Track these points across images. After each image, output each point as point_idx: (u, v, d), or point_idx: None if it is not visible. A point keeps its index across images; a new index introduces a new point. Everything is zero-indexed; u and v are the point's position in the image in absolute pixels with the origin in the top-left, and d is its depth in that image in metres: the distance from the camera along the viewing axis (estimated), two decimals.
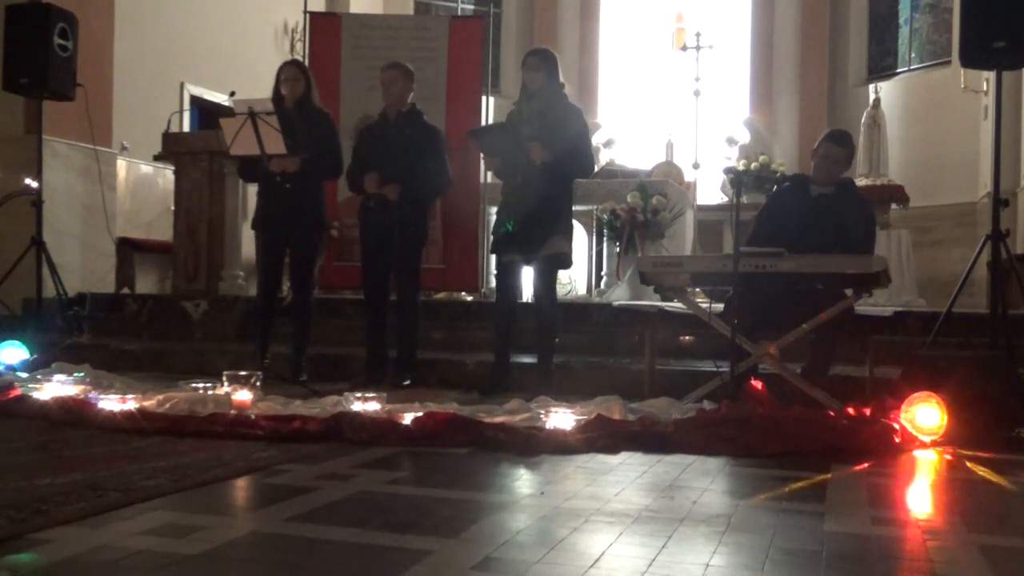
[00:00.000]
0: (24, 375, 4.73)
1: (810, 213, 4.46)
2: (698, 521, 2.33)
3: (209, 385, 4.11)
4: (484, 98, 7.78)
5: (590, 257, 8.06)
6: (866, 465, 3.15)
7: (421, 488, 2.72)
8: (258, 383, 4.00)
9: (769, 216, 4.63)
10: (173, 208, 7.15)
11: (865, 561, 2.03)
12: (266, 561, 1.98)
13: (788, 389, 4.16)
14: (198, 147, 6.91)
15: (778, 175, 10.18)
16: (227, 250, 6.92)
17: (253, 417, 3.64)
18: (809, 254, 4.11)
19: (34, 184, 6.22)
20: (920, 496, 2.82)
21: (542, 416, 3.66)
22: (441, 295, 7.54)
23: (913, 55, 11.62)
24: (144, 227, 8.58)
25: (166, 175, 8.31)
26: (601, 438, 3.38)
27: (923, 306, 7.16)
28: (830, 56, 12.24)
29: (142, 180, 8.81)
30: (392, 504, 2.48)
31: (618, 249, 7.47)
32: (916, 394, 3.53)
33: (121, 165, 8.27)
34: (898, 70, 11.77)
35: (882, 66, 12.00)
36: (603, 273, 7.89)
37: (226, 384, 3.98)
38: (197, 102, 9.50)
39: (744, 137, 12.13)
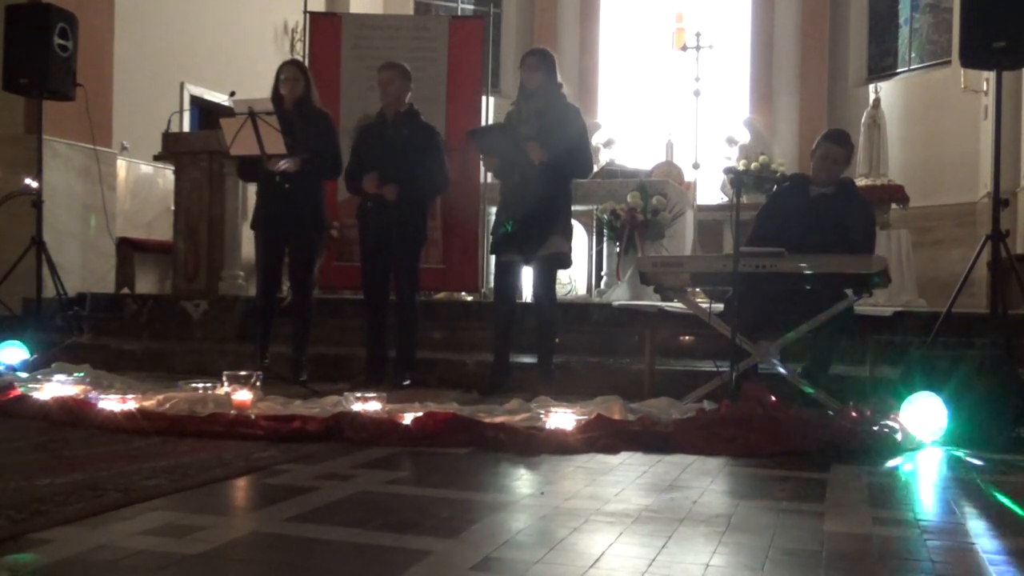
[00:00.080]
0: (24, 375, 4.73)
1: (810, 213, 4.46)
2: (698, 521, 2.33)
3: (209, 385, 4.11)
4: (484, 98, 7.78)
5: (590, 257, 8.06)
6: (866, 465, 3.15)
7: (421, 488, 2.72)
8: (258, 383, 4.00)
9: (769, 216, 4.64)
10: (173, 208, 7.16)
11: (865, 561, 2.03)
12: (266, 561, 1.98)
13: (788, 389, 4.16)
14: (198, 147, 6.91)
15: (778, 175, 10.17)
16: (227, 250, 6.92)
17: (253, 417, 3.64)
18: (809, 254, 4.11)
19: (34, 184, 6.22)
20: (920, 496, 2.82)
21: (542, 416, 3.66)
22: (441, 295, 7.54)
23: (913, 55, 11.62)
24: (144, 227, 8.58)
25: (166, 175, 8.32)
26: (601, 438, 3.38)
27: (923, 306, 7.16)
28: (830, 56, 12.24)
29: (142, 180, 8.81)
30: (392, 504, 2.48)
31: (618, 249, 7.47)
32: (916, 394, 3.53)
33: (121, 165, 8.27)
34: (898, 70, 11.77)
35: (882, 66, 12.00)
36: (603, 273, 7.89)
37: (226, 384, 3.98)
38: (197, 102, 9.50)
39: (744, 137, 12.13)
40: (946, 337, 4.50)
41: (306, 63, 6.79)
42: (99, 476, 2.66)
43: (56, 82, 6.11)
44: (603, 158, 11.53)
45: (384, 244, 4.99)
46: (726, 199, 10.78)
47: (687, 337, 5.35)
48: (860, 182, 9.02)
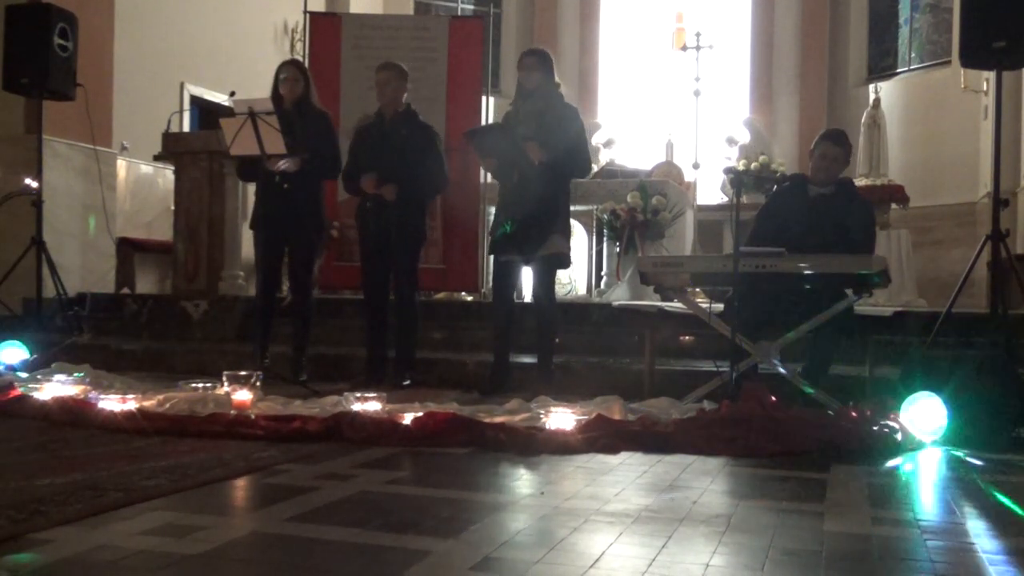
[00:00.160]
0: (24, 375, 4.73)
1: (810, 213, 4.46)
2: (698, 521, 2.33)
3: (209, 385, 4.11)
4: (484, 98, 7.78)
5: (590, 257, 8.06)
6: (866, 465, 3.15)
7: (421, 488, 2.72)
8: (258, 383, 4.00)
9: (769, 216, 4.64)
10: (173, 208, 7.16)
11: (865, 561, 2.03)
12: (266, 561, 1.98)
13: (788, 389, 4.16)
14: (198, 147, 6.91)
15: (778, 175, 10.18)
16: (227, 250, 6.92)
17: (253, 417, 3.64)
18: (809, 254, 4.11)
19: (34, 184, 6.22)
20: (920, 496, 2.82)
21: (542, 416, 3.66)
22: (441, 295, 7.54)
23: (913, 55, 11.62)
24: (144, 227, 8.58)
25: (166, 175, 8.32)
26: (601, 438, 3.38)
27: (923, 306, 7.15)
28: (830, 56, 12.24)
29: (142, 180, 8.81)
30: (392, 504, 2.48)
31: (618, 249, 7.47)
32: (916, 394, 3.53)
33: (121, 165, 8.27)
34: (898, 70, 11.77)
35: (882, 66, 12.00)
36: (603, 273, 7.89)
37: (226, 384, 3.98)
38: (197, 102, 9.50)
39: (744, 137, 12.13)
40: (946, 337, 4.50)
41: (306, 63, 6.80)
42: (99, 476, 2.66)
43: (56, 82, 6.11)
44: (603, 158, 11.53)
45: (384, 244, 4.99)
46: (726, 199, 10.78)
47: (687, 337, 5.35)
48: (860, 182, 9.02)
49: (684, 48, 10.63)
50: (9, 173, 6.85)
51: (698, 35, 10.39)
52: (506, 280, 4.89)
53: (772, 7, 12.46)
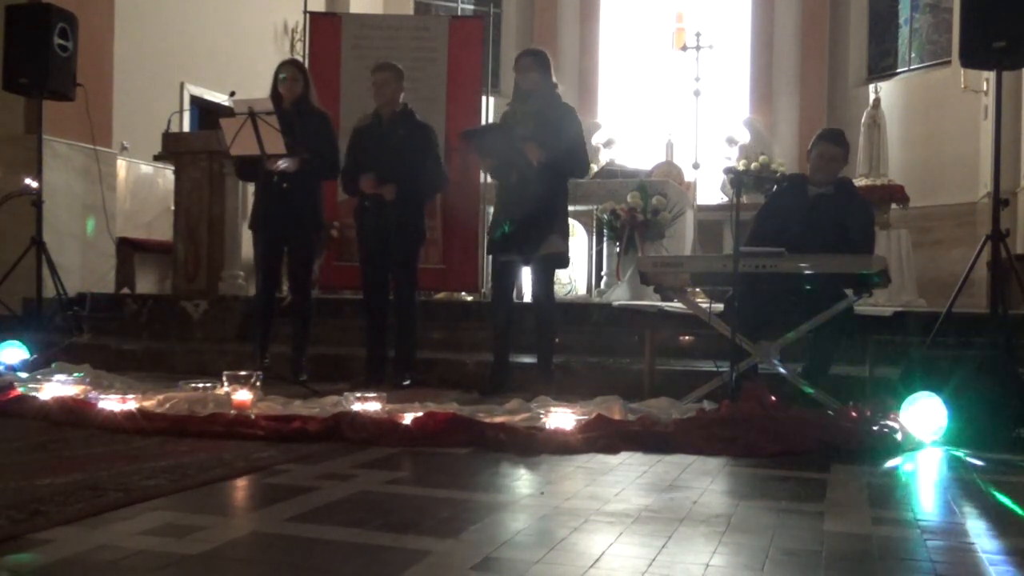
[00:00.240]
0: (24, 375, 4.73)
1: (809, 213, 4.46)
2: (698, 521, 2.33)
3: (209, 385, 4.11)
4: (484, 98, 7.78)
5: (590, 257, 8.06)
6: (866, 465, 3.15)
7: (421, 488, 2.72)
8: (258, 383, 4.00)
9: (768, 216, 4.64)
10: (173, 208, 7.16)
11: (865, 561, 2.03)
12: (266, 561, 1.98)
13: (788, 389, 4.16)
14: (198, 147, 6.91)
15: (778, 175, 10.18)
16: (227, 250, 6.92)
17: (253, 417, 3.64)
18: (809, 254, 4.11)
19: (34, 184, 6.22)
20: (920, 496, 2.82)
21: (542, 416, 3.66)
22: (441, 295, 7.54)
23: (913, 55, 11.62)
24: (144, 227, 8.58)
25: (166, 175, 8.32)
26: (601, 438, 3.38)
27: (923, 306, 7.16)
28: (830, 56, 12.24)
29: (142, 180, 8.81)
30: (392, 504, 2.48)
31: (618, 249, 7.47)
32: (916, 394, 3.53)
33: (121, 165, 8.27)
34: (898, 70, 11.77)
35: (882, 66, 12.00)
36: (603, 273, 7.89)
37: (226, 384, 3.98)
38: (197, 102, 9.50)
39: (744, 137, 12.13)
40: (946, 337, 4.50)
41: (306, 63, 6.79)
42: (99, 476, 2.66)
43: (56, 82, 6.11)
44: (603, 158, 11.53)
45: (383, 244, 4.99)
46: (726, 199, 10.79)
47: (687, 337, 5.35)
48: (860, 182, 9.02)
49: (684, 48, 10.63)
50: (9, 173, 6.86)
51: (698, 35, 10.39)
52: (505, 280, 4.89)
53: (772, 7, 12.46)
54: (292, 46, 10.46)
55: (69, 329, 6.35)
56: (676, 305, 4.61)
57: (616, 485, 2.75)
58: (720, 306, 4.35)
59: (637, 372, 4.85)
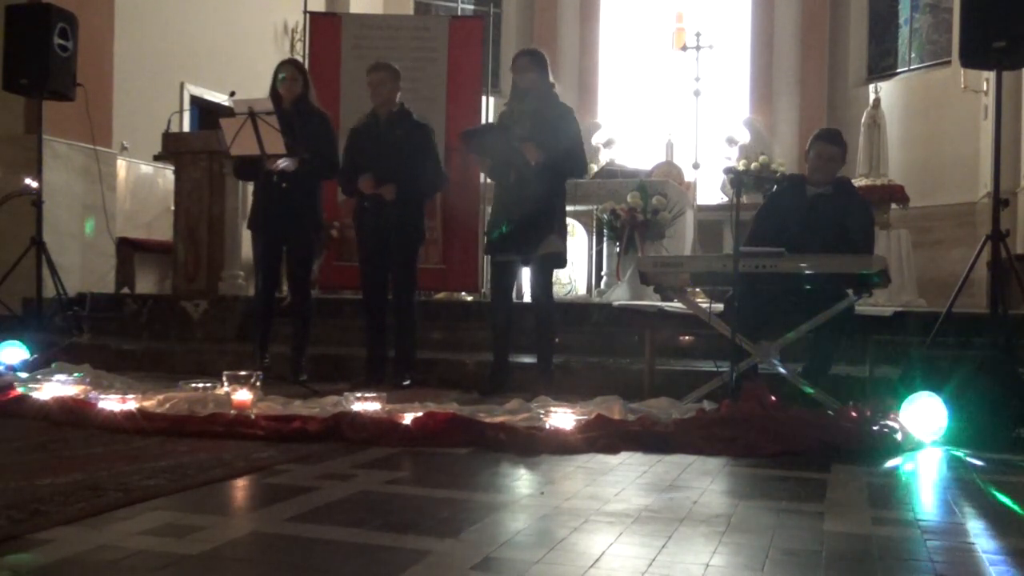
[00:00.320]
0: (24, 375, 4.73)
1: (809, 214, 4.47)
2: (698, 521, 2.33)
3: (209, 385, 4.11)
4: (484, 98, 7.79)
5: (590, 257, 8.06)
6: (866, 465, 3.15)
7: (421, 488, 2.72)
8: (258, 383, 4.00)
9: (767, 217, 4.64)
10: (173, 208, 7.16)
11: (865, 561, 2.03)
12: (266, 561, 1.98)
13: (788, 389, 4.16)
14: (198, 147, 6.92)
15: (778, 175, 10.19)
16: (227, 250, 6.93)
17: (253, 417, 3.64)
18: (809, 254, 4.11)
19: (34, 184, 6.22)
20: (920, 496, 2.82)
21: (542, 416, 3.66)
22: (441, 295, 7.54)
23: (913, 55, 11.62)
24: (144, 227, 8.58)
25: (166, 175, 8.32)
26: (601, 438, 3.38)
27: (923, 306, 7.16)
28: (830, 56, 12.24)
29: (142, 180, 8.81)
30: (392, 504, 2.48)
31: (618, 249, 7.47)
32: (916, 394, 3.53)
33: (121, 165, 8.28)
34: (898, 70, 11.77)
35: (882, 66, 12.00)
36: (603, 273, 7.89)
37: (226, 384, 3.98)
38: (197, 102, 9.51)
39: (744, 137, 12.13)
40: (946, 337, 4.50)
41: (306, 63, 6.80)
42: (99, 476, 2.66)
43: (56, 82, 6.11)
44: (603, 158, 11.53)
45: (382, 244, 4.99)
46: (726, 199, 10.79)
47: (687, 337, 5.35)
48: (860, 182, 9.01)
49: (684, 48, 10.63)
50: (9, 173, 6.86)
51: (698, 35, 10.39)
52: (505, 280, 4.89)
53: (772, 7, 12.46)
54: (292, 46, 10.47)
55: (69, 329, 6.35)
56: (676, 305, 4.61)
57: (616, 485, 2.76)
58: (720, 306, 4.35)
59: (637, 372, 4.85)
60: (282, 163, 4.90)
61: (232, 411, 3.76)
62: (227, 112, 4.96)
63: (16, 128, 7.11)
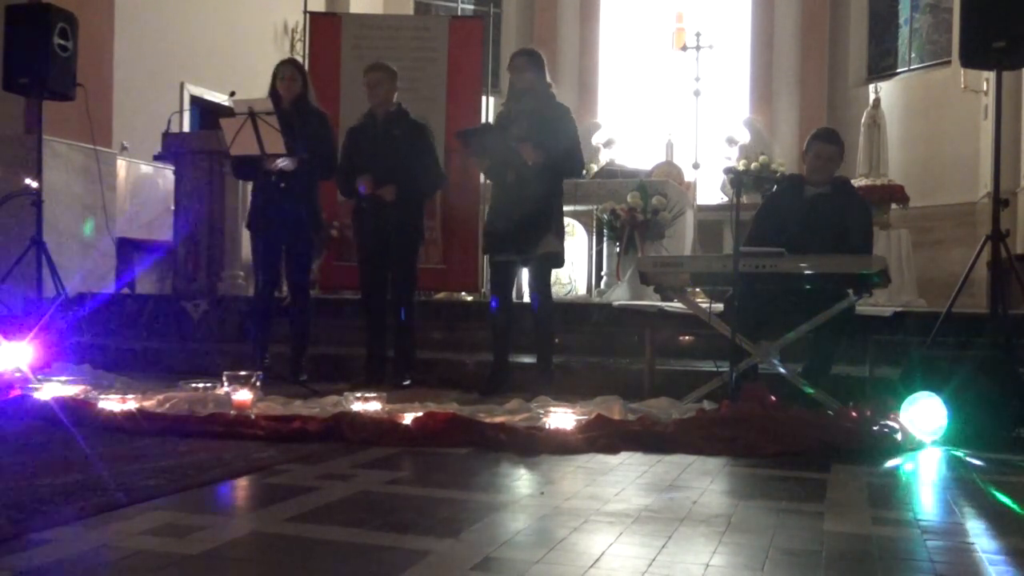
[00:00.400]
0: (24, 375, 4.73)
1: (808, 214, 4.47)
2: (698, 521, 2.33)
3: (209, 385, 4.11)
4: (484, 98, 7.79)
5: (590, 257, 8.05)
6: (866, 465, 3.15)
7: (421, 488, 2.72)
8: (258, 383, 4.00)
9: (766, 217, 4.64)
10: (173, 208, 7.16)
11: (865, 561, 2.03)
12: (266, 561, 1.98)
13: (788, 389, 4.16)
14: (198, 147, 6.92)
15: (778, 175, 10.19)
16: (227, 250, 6.93)
17: (253, 417, 3.64)
18: (809, 254, 4.11)
19: (34, 184, 6.22)
20: (920, 496, 2.82)
21: (542, 416, 3.66)
22: (441, 295, 7.54)
23: (913, 55, 11.62)
24: (144, 227, 8.58)
25: (166, 175, 8.31)
26: (601, 438, 3.38)
27: (923, 306, 7.15)
28: (830, 56, 12.24)
29: (142, 180, 8.81)
30: (392, 504, 2.48)
31: (618, 249, 7.47)
32: (916, 394, 3.53)
33: (121, 165, 8.27)
34: (898, 70, 11.76)
35: (882, 66, 12.00)
36: (603, 273, 7.89)
37: (226, 384, 3.98)
38: (197, 102, 9.50)
39: (744, 137, 12.13)
40: (946, 337, 4.50)
41: (306, 63, 6.79)
42: (99, 476, 2.66)
43: (56, 82, 6.10)
44: (603, 158, 11.53)
45: (382, 244, 4.99)
46: (726, 199, 10.79)
47: (687, 337, 5.35)
48: (860, 182, 9.02)
49: (684, 48, 10.63)
50: (9, 173, 6.85)
51: (698, 35, 10.39)
52: (504, 280, 4.90)
53: (772, 7, 12.46)
54: (292, 46, 10.46)
55: (69, 329, 6.34)
56: (676, 305, 4.61)
57: (616, 485, 2.75)
58: (720, 306, 4.36)
59: (637, 372, 4.85)
60: (281, 163, 4.90)
61: (232, 411, 3.76)
62: (227, 112, 4.96)
63: (16, 128, 7.10)
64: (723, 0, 12.74)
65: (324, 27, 7.50)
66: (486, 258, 5.91)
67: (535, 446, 3.31)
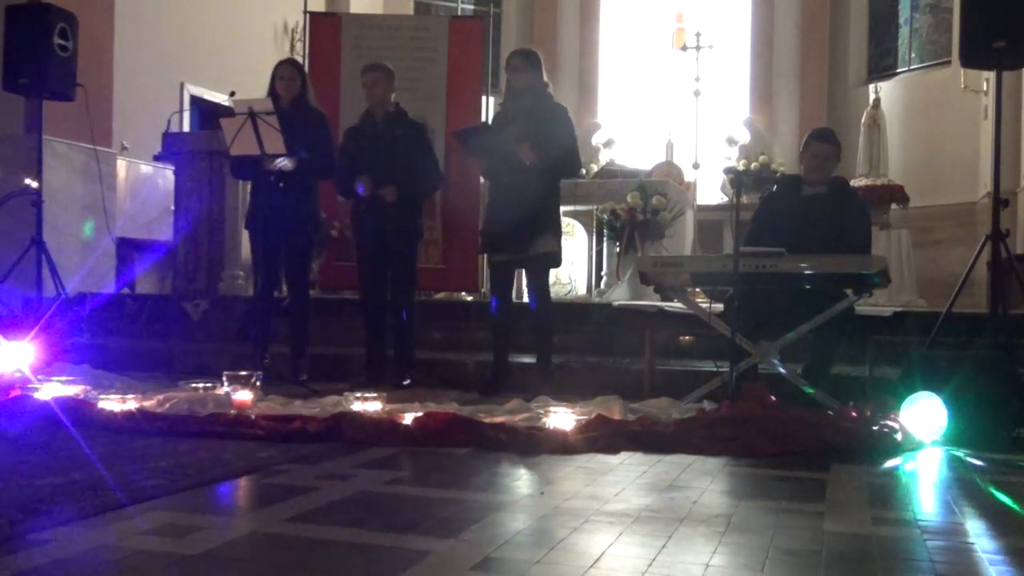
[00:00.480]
0: (24, 375, 4.73)
1: (806, 214, 4.47)
2: (698, 521, 2.33)
3: (209, 385, 4.11)
4: (484, 98, 7.78)
5: (590, 257, 8.06)
6: (866, 465, 3.15)
7: (421, 488, 2.72)
8: (258, 383, 4.00)
9: (765, 218, 4.64)
10: (173, 208, 7.16)
11: (865, 561, 2.03)
12: (266, 561, 1.98)
13: (788, 389, 4.16)
14: (198, 147, 6.92)
15: (778, 175, 10.18)
16: (227, 250, 6.93)
17: (253, 417, 3.64)
18: (808, 254, 4.11)
19: (34, 184, 6.22)
20: (920, 496, 2.82)
21: (542, 416, 3.66)
22: (441, 295, 7.54)
23: (913, 55, 11.61)
24: (144, 227, 8.58)
25: (166, 175, 8.31)
26: (601, 438, 3.38)
27: (923, 306, 7.15)
28: (830, 56, 12.23)
29: (142, 180, 8.81)
30: (392, 504, 2.48)
31: (618, 249, 7.47)
32: (916, 394, 3.53)
33: (121, 165, 8.27)
34: (898, 70, 11.76)
35: (882, 66, 11.99)
36: (603, 273, 7.89)
37: (226, 384, 3.98)
38: (197, 102, 9.50)
39: (744, 137, 12.13)
40: (946, 337, 4.50)
41: (306, 63, 6.79)
42: (99, 476, 2.66)
43: (56, 82, 6.10)
44: (603, 158, 11.52)
45: (381, 244, 4.99)
46: (726, 199, 10.78)
47: (687, 337, 5.35)
48: (860, 182, 9.02)
49: (684, 48, 10.63)
50: (9, 173, 6.85)
51: (698, 35, 10.38)
52: (503, 281, 4.90)
53: (772, 7, 12.45)
54: (292, 46, 10.46)
55: (69, 329, 6.34)
56: (676, 305, 4.61)
57: (616, 485, 2.76)
58: (720, 306, 4.36)
59: (637, 372, 4.85)
60: (280, 163, 4.90)
61: (232, 411, 3.76)
62: (227, 112, 4.96)
63: (16, 128, 7.10)
64: (723, 0, 12.73)
65: (324, 27, 7.51)
66: (485, 258, 5.92)
67: (535, 446, 3.31)
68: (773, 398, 3.78)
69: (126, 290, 7.60)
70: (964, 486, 2.89)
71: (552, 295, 5.11)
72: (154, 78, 8.70)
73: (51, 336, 5.98)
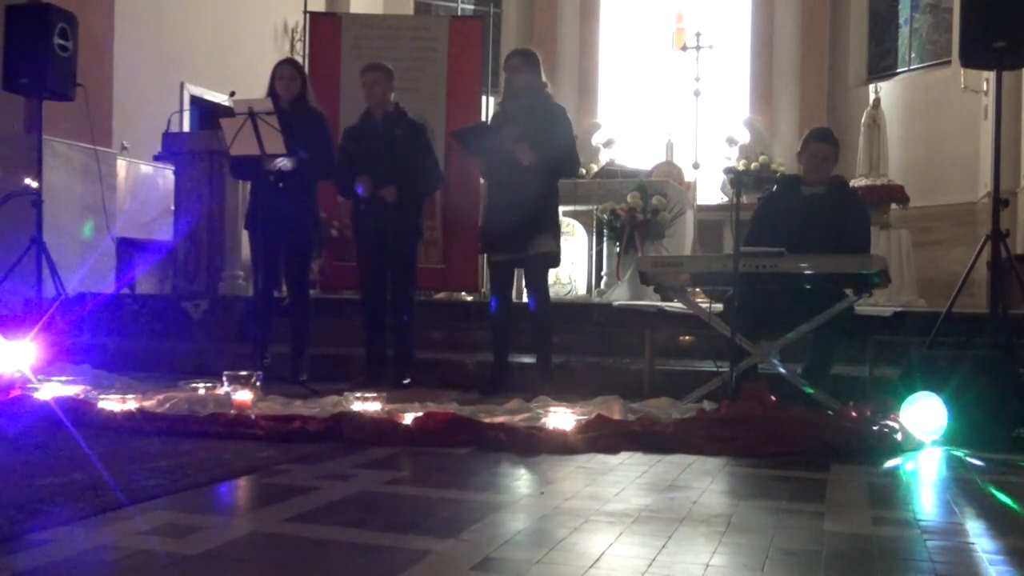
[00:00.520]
0: (24, 375, 4.73)
1: (806, 214, 4.47)
2: (698, 521, 2.33)
3: (209, 385, 4.11)
4: (484, 98, 7.79)
5: (590, 257, 8.06)
6: (866, 465, 3.15)
7: (421, 488, 2.72)
8: (258, 383, 4.00)
9: (764, 219, 4.64)
10: (173, 208, 7.16)
11: (865, 561, 2.03)
12: (266, 561, 1.98)
13: (788, 389, 4.16)
14: (198, 147, 6.92)
15: (778, 175, 10.18)
16: (227, 250, 6.93)
17: (253, 417, 3.64)
18: (808, 254, 4.11)
19: (34, 184, 6.22)
20: (920, 496, 2.82)
21: (542, 416, 3.66)
22: (441, 295, 7.54)
23: (913, 55, 11.61)
24: (144, 227, 8.58)
25: (166, 175, 8.31)
26: (601, 438, 3.38)
27: (923, 306, 7.15)
28: (830, 56, 12.23)
29: (142, 180, 8.81)
30: (392, 504, 2.48)
31: (618, 249, 7.47)
32: (916, 394, 3.53)
33: (121, 165, 8.27)
34: (898, 70, 11.76)
35: (882, 66, 11.99)
36: (603, 273, 7.89)
37: (226, 384, 3.98)
38: (197, 102, 9.50)
39: (744, 137, 12.13)
40: (946, 337, 4.50)
41: (306, 63, 6.79)
42: (99, 476, 2.66)
43: (56, 82, 6.10)
44: (603, 158, 11.52)
45: (381, 244, 4.99)
46: (726, 199, 10.78)
47: (687, 337, 5.35)
48: (860, 182, 9.02)
49: (684, 48, 10.63)
50: (9, 173, 6.85)
51: (698, 35, 10.39)
52: (503, 281, 4.90)
53: (772, 7, 12.45)
54: (292, 46, 10.46)
55: (69, 329, 6.34)
56: (676, 305, 4.61)
57: (616, 485, 2.76)
58: (720, 306, 4.36)
59: (637, 372, 4.85)
60: (280, 162, 4.90)
61: (232, 411, 3.76)
62: (227, 112, 4.96)
63: (16, 128, 7.10)
64: (723, 0, 12.73)
65: (324, 27, 7.51)
66: (485, 258, 5.92)
67: (535, 446, 3.31)
68: (773, 398, 3.78)
69: (126, 290, 7.60)
70: (964, 486, 2.89)
71: (552, 295, 5.11)
72: (154, 78, 8.70)
73: (51, 336, 5.98)
